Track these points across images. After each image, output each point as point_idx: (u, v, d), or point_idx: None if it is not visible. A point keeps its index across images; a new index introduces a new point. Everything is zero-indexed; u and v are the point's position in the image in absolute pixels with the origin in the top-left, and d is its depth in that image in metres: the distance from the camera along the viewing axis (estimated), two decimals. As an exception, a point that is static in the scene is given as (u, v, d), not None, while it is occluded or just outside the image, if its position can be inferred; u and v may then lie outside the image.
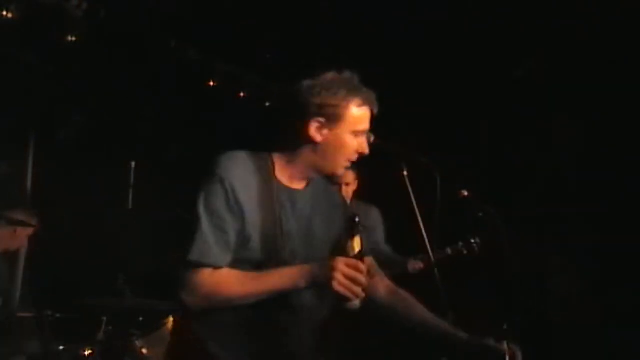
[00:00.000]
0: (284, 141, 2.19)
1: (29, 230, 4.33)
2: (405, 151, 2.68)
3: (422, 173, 2.46)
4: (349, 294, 1.94)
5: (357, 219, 2.02)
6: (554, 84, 4.77)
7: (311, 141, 2.13)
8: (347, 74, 2.18)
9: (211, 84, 5.52)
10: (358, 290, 1.94)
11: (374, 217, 4.48)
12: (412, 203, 2.54)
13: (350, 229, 2.01)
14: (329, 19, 4.82)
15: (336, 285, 1.92)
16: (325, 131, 2.13)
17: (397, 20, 4.67)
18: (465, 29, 4.69)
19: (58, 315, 3.88)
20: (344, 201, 2.46)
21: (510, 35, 4.64)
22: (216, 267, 2.01)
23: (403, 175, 2.63)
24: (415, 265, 4.36)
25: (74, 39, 4.84)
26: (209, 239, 2.01)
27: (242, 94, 5.49)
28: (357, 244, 2.00)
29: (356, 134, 2.16)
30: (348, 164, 2.20)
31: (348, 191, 4.29)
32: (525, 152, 4.93)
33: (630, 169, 4.41)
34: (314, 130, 2.12)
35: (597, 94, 4.60)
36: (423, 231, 2.56)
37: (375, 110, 2.20)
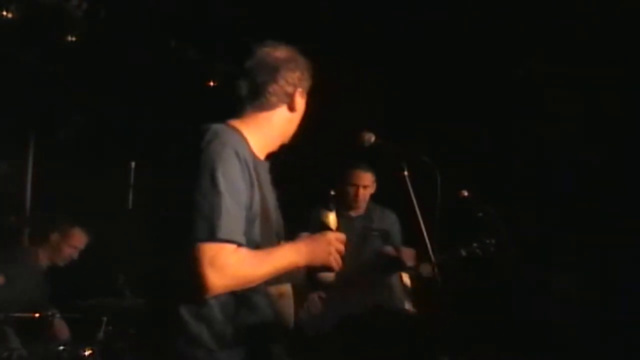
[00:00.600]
0: (255, 111, 2.12)
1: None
2: (406, 151, 2.68)
3: (422, 173, 2.46)
4: (337, 267, 2.05)
5: (333, 192, 2.15)
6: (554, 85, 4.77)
7: (291, 110, 2.15)
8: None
9: (211, 84, 5.52)
10: (340, 259, 2.06)
11: (391, 220, 4.36)
12: (413, 203, 2.54)
13: (331, 205, 2.10)
14: (329, 18, 4.82)
15: (332, 260, 2.03)
16: (302, 101, 2.18)
17: (397, 20, 4.67)
18: (465, 28, 4.68)
19: (58, 315, 3.87)
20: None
21: (510, 35, 4.64)
22: (239, 245, 1.90)
23: (403, 175, 2.63)
24: (427, 269, 4.09)
25: (74, 39, 4.84)
26: (233, 215, 1.87)
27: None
28: (334, 218, 2.10)
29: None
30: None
31: (365, 194, 4.23)
32: (525, 152, 4.93)
33: (631, 168, 4.42)
34: (298, 99, 2.16)
35: (598, 94, 4.60)
36: (424, 231, 2.55)
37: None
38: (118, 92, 5.32)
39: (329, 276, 2.13)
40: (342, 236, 2.07)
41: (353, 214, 4.28)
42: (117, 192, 5.11)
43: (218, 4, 4.80)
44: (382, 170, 4.11)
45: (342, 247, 2.06)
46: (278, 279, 2.06)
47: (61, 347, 3.77)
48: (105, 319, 4.00)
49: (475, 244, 4.07)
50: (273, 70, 2.10)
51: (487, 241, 4.08)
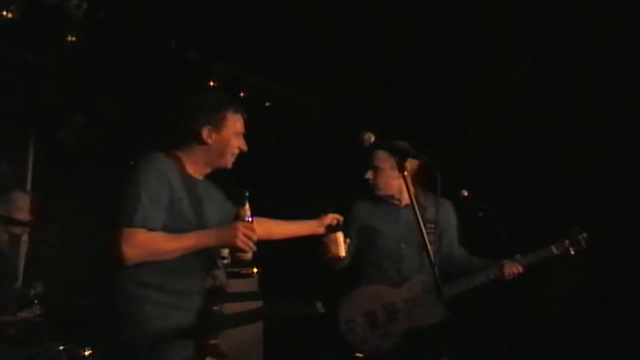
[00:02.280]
0: (182, 142, 2.78)
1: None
2: (407, 151, 2.69)
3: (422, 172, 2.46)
4: (247, 248, 2.60)
5: (247, 193, 2.68)
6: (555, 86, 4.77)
7: (204, 143, 2.77)
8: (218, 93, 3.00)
9: (211, 84, 5.52)
10: (252, 245, 2.62)
11: (447, 213, 3.85)
12: (413, 203, 2.54)
13: (242, 199, 2.68)
14: (329, 18, 4.82)
15: (238, 242, 2.59)
16: (214, 135, 2.77)
17: (397, 20, 4.67)
18: (465, 28, 4.69)
19: (58, 315, 3.87)
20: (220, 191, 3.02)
21: (510, 35, 4.64)
22: (150, 229, 2.56)
23: (404, 175, 2.63)
24: (512, 268, 3.68)
25: (74, 39, 4.84)
26: (147, 209, 2.56)
27: (242, 94, 5.49)
28: (247, 211, 2.66)
29: (237, 135, 2.82)
30: (234, 158, 2.82)
31: (386, 177, 3.70)
32: (525, 151, 4.93)
33: (633, 167, 4.42)
34: (205, 134, 2.76)
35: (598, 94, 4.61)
36: (424, 231, 2.56)
37: (245, 116, 2.85)
38: (118, 92, 5.32)
39: (246, 256, 2.64)
40: (249, 224, 2.63)
41: (398, 203, 3.78)
42: (117, 192, 5.09)
43: (218, 4, 4.80)
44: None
45: (249, 233, 2.60)
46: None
47: (61, 347, 3.76)
48: (105, 319, 3.99)
49: (567, 241, 3.76)
50: (184, 113, 2.84)
51: (580, 235, 3.77)
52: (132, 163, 4.94)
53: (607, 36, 4.36)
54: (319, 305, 2.98)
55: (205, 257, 2.73)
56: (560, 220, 4.69)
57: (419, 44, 4.82)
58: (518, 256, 3.72)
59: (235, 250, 2.65)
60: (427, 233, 3.35)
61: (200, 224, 2.74)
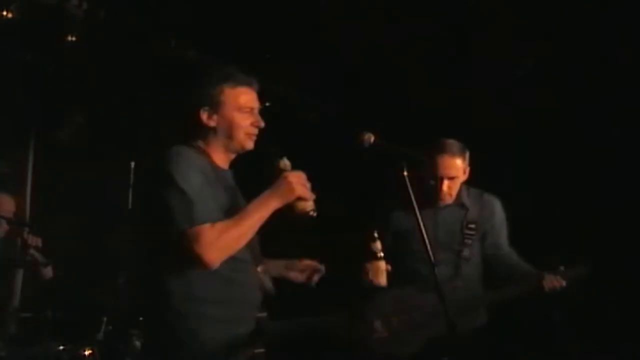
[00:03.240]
0: (196, 133, 2.50)
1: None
2: (405, 151, 2.68)
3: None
4: (307, 193, 2.38)
5: (276, 147, 2.50)
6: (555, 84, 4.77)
7: (209, 128, 2.48)
8: (226, 67, 2.58)
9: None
10: (309, 189, 2.40)
11: (493, 211, 3.55)
12: (413, 203, 2.54)
13: (277, 156, 2.48)
14: (329, 19, 4.82)
15: (299, 190, 2.36)
16: (215, 116, 2.47)
17: (397, 20, 4.67)
18: (464, 28, 4.68)
19: (58, 315, 3.87)
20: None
21: (510, 35, 4.64)
22: (214, 222, 2.28)
23: (403, 175, 2.63)
24: (554, 282, 3.37)
25: (74, 39, 4.84)
26: (198, 202, 2.27)
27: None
28: (288, 163, 2.46)
29: (241, 110, 2.48)
30: (249, 139, 2.51)
31: (452, 186, 3.46)
32: (525, 152, 4.92)
33: (634, 167, 4.41)
34: (205, 118, 2.47)
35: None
36: (423, 232, 2.55)
37: (256, 88, 2.54)
38: (118, 92, 5.32)
39: (307, 206, 2.41)
40: (296, 172, 2.41)
41: (438, 204, 3.51)
42: (117, 192, 5.09)
43: (218, 4, 4.80)
44: (382, 170, 4.09)
45: (301, 179, 2.39)
46: (259, 256, 2.51)
47: (61, 347, 3.77)
48: (105, 319, 4.00)
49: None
50: (184, 100, 2.59)
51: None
52: (132, 164, 4.99)
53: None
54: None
55: (256, 255, 2.50)
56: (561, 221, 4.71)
57: (419, 44, 4.83)
58: (562, 268, 3.43)
59: (296, 203, 2.40)
60: (468, 234, 3.41)
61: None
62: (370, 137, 2.63)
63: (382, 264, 2.96)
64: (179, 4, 4.83)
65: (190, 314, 2.31)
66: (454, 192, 3.48)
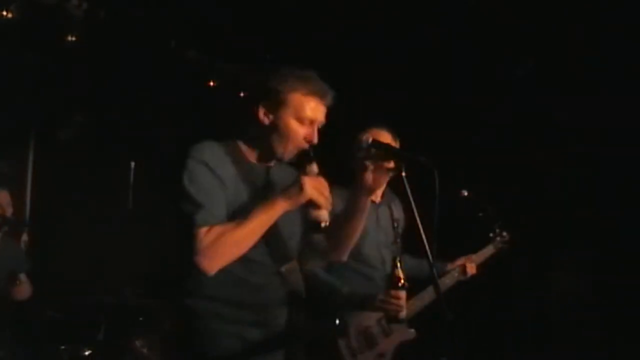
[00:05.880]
0: (244, 126, 2.39)
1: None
2: (405, 151, 2.68)
3: (421, 173, 2.46)
4: (321, 199, 2.22)
5: (310, 151, 2.31)
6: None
7: (262, 125, 2.34)
8: (307, 71, 2.38)
9: (211, 84, 5.52)
10: (325, 197, 2.23)
11: (400, 210, 3.57)
12: (411, 204, 2.53)
13: (307, 158, 2.29)
14: (329, 19, 4.82)
15: (309, 190, 2.19)
16: (271, 115, 2.34)
17: (397, 20, 4.67)
18: (464, 29, 4.68)
19: (58, 315, 3.88)
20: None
21: (510, 35, 4.64)
22: (212, 225, 2.19)
23: (402, 175, 2.62)
24: (473, 269, 3.69)
25: (74, 39, 4.84)
26: (203, 204, 2.19)
27: (242, 94, 5.48)
28: (315, 168, 2.28)
29: (301, 120, 2.33)
30: (295, 151, 2.37)
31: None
32: (526, 152, 4.92)
33: (635, 169, 4.41)
34: (262, 114, 2.34)
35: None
36: (422, 232, 2.55)
37: (327, 103, 2.37)
38: (118, 92, 5.32)
39: (322, 215, 2.25)
40: (316, 177, 2.25)
41: (375, 200, 3.46)
42: (117, 192, 5.10)
43: (219, 4, 4.80)
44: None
45: (318, 184, 2.23)
46: (283, 257, 2.37)
47: (61, 347, 3.77)
48: (105, 319, 4.00)
49: (498, 238, 3.83)
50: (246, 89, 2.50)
51: (502, 234, 3.81)
52: (132, 164, 4.99)
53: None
54: (337, 320, 2.81)
55: (280, 256, 2.36)
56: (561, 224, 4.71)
57: (418, 44, 4.83)
58: (473, 256, 3.73)
59: (309, 208, 2.24)
60: (396, 232, 3.38)
61: None
62: (369, 137, 2.62)
63: (404, 294, 2.88)
64: (179, 3, 4.83)
65: (204, 314, 2.26)
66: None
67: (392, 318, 2.77)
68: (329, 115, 2.42)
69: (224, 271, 2.20)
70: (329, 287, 3.20)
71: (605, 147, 4.51)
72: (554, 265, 4.91)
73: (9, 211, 4.30)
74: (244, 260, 2.24)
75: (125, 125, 5.54)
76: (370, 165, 2.50)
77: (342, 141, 2.82)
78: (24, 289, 4.10)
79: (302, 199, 2.21)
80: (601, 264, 4.57)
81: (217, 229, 2.18)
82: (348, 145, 2.73)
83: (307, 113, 2.33)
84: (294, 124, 2.33)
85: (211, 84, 5.52)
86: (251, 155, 2.39)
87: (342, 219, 2.56)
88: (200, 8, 4.79)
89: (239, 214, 2.23)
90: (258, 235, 2.23)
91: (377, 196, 3.42)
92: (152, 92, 5.34)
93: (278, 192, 2.26)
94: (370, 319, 3.23)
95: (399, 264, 2.56)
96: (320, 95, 2.35)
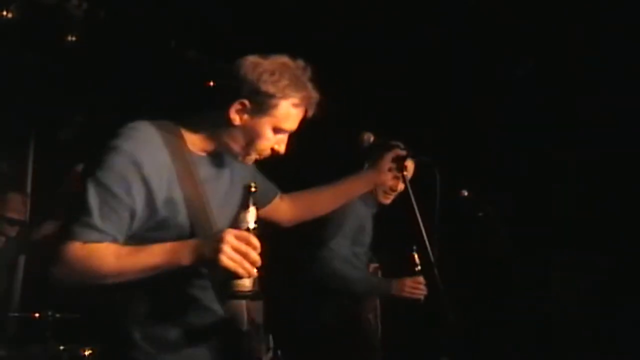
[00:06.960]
0: (201, 114, 2.07)
1: None
2: (405, 151, 2.68)
3: (422, 172, 2.46)
4: (239, 270, 1.72)
5: (253, 189, 1.85)
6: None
7: (228, 122, 1.98)
8: (300, 63, 2.08)
9: (211, 84, 5.50)
10: (249, 267, 1.73)
11: None
12: (412, 203, 2.53)
13: (245, 200, 1.84)
14: (329, 19, 4.82)
15: (224, 259, 1.70)
16: (245, 116, 1.98)
17: (397, 20, 4.67)
18: (464, 28, 4.68)
19: (58, 315, 3.87)
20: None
21: (510, 35, 4.64)
22: (89, 242, 1.83)
23: (403, 174, 2.63)
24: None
25: (74, 39, 4.84)
26: (93, 217, 1.82)
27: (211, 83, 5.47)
28: (251, 217, 1.81)
29: (277, 130, 2.01)
30: (257, 157, 2.07)
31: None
32: (526, 152, 4.92)
33: (635, 169, 4.41)
34: (234, 111, 1.97)
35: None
36: (423, 231, 2.55)
37: (310, 113, 2.06)
38: (118, 92, 5.32)
39: (245, 285, 1.79)
40: (244, 235, 1.76)
41: None
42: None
43: (219, 4, 4.80)
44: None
45: (243, 248, 1.73)
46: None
47: (61, 347, 3.76)
48: (105, 318, 3.98)
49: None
50: (227, 75, 2.09)
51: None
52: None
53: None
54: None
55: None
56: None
57: (418, 44, 4.83)
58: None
59: (221, 273, 1.76)
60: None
61: (200, 222, 1.92)
62: (370, 137, 2.62)
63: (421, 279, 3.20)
64: (179, 3, 4.83)
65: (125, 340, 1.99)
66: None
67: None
68: (328, 115, 2.39)
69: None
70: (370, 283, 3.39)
71: (605, 147, 4.51)
72: (554, 265, 4.90)
73: (23, 216, 4.35)
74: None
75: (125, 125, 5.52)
76: (391, 167, 2.51)
77: (341, 141, 2.82)
78: None
79: (215, 262, 1.73)
80: (601, 264, 4.56)
81: (94, 249, 1.81)
82: (348, 145, 2.74)
83: (287, 125, 2.02)
84: (268, 133, 2.00)
85: (211, 84, 5.51)
86: (196, 147, 2.03)
87: (326, 199, 2.47)
88: (200, 8, 4.79)
89: (162, 228, 1.89)
90: (136, 278, 1.83)
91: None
92: (152, 92, 5.34)
93: (194, 240, 1.82)
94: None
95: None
96: (308, 106, 2.03)
